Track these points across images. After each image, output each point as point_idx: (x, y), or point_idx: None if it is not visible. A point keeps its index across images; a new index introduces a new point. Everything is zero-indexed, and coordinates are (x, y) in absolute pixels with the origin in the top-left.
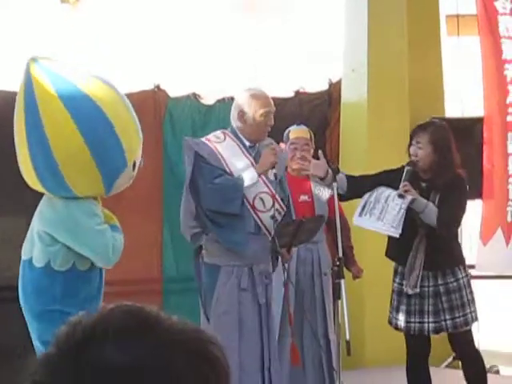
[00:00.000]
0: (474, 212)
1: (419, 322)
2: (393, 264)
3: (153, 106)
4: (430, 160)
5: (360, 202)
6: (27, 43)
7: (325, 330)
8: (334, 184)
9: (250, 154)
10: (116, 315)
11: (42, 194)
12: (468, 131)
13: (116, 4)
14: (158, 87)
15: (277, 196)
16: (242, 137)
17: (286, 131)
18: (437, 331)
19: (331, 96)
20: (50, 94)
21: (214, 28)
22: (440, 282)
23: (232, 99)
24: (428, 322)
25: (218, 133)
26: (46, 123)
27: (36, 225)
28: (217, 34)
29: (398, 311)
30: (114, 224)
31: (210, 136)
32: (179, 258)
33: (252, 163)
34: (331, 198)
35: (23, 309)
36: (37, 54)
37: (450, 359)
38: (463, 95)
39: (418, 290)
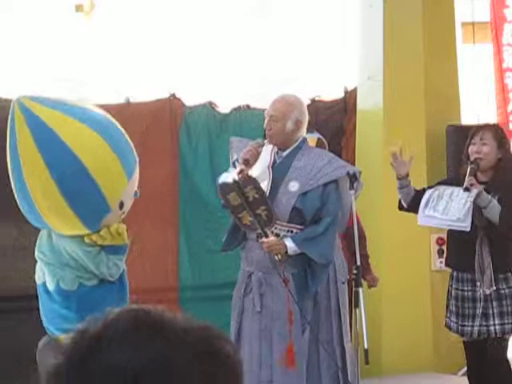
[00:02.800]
0: None
1: (471, 326)
2: (407, 272)
3: (169, 114)
4: (494, 156)
5: (422, 199)
6: (42, 52)
7: (340, 338)
8: (351, 192)
9: (274, 160)
10: (122, 320)
11: None
12: None
13: (131, 12)
14: (173, 96)
15: (274, 209)
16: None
17: None
18: (481, 334)
19: (347, 104)
20: (29, 142)
21: (228, 37)
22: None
23: (248, 107)
24: (479, 325)
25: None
26: (25, 169)
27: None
28: (231, 42)
29: (456, 315)
30: (117, 244)
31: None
32: (195, 266)
33: (268, 166)
34: None
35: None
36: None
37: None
38: (479, 102)
39: (494, 287)
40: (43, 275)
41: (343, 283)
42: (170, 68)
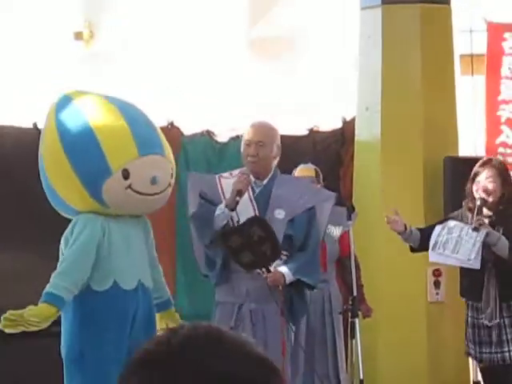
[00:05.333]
0: None
1: (489, 353)
2: (403, 303)
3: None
4: (499, 192)
5: (432, 236)
6: (40, 80)
7: (335, 369)
8: (349, 223)
9: (252, 189)
10: (201, 332)
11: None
12: None
13: (130, 41)
14: (171, 124)
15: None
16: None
17: (294, 170)
18: (498, 360)
19: (345, 134)
20: (51, 119)
21: (226, 65)
22: (505, 314)
23: None
24: (495, 352)
25: (235, 171)
26: (44, 147)
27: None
28: (230, 71)
29: (473, 342)
30: None
31: (227, 173)
32: (192, 295)
33: (250, 199)
34: (342, 237)
35: None
36: (57, 91)
37: None
38: (476, 134)
39: (497, 320)
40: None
41: (339, 313)
42: (168, 97)
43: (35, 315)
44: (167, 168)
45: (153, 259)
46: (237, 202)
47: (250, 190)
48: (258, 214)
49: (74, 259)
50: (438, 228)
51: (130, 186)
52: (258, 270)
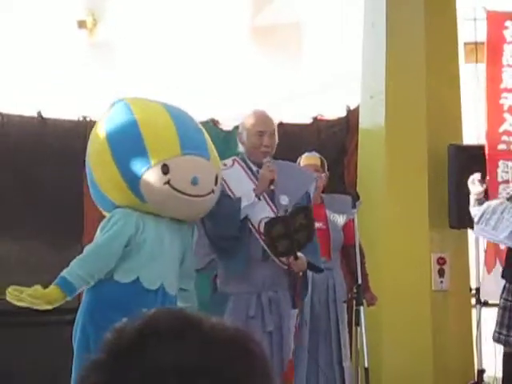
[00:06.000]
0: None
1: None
2: (407, 292)
3: None
4: None
5: (478, 212)
6: (44, 68)
7: (339, 357)
8: (354, 211)
9: (256, 178)
10: (160, 318)
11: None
12: (485, 158)
13: (134, 29)
14: None
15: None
16: (248, 160)
17: (298, 159)
18: None
19: (349, 123)
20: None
21: (230, 54)
22: None
23: None
24: None
25: (228, 160)
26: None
27: None
28: (233, 59)
29: (500, 325)
30: None
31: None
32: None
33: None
34: (346, 225)
35: None
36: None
37: (471, 382)
38: (480, 122)
39: None
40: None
41: (344, 302)
42: (172, 85)
43: (40, 296)
44: (211, 172)
45: (187, 269)
46: (272, 191)
47: (251, 179)
48: (272, 202)
49: (97, 251)
50: (485, 204)
51: (168, 182)
52: (282, 259)
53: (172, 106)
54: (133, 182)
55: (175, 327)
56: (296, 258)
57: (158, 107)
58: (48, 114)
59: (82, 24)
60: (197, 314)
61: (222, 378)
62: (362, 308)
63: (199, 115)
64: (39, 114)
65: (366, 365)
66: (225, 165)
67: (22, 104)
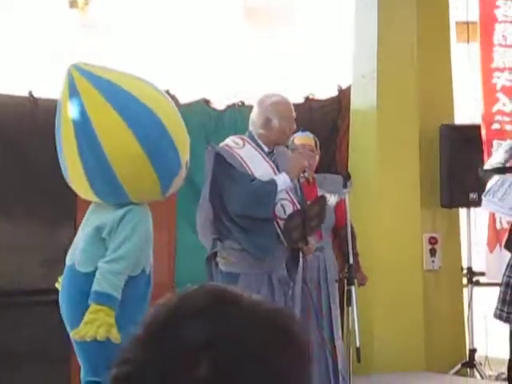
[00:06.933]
0: (481, 218)
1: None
2: (399, 271)
3: None
4: None
5: (487, 184)
6: (35, 48)
7: (331, 336)
8: (345, 190)
9: (271, 160)
10: (198, 295)
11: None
12: (477, 138)
13: (125, 9)
14: (167, 92)
15: (296, 203)
16: (260, 143)
17: (291, 138)
18: None
19: (341, 102)
20: (101, 103)
21: (222, 34)
22: None
23: (242, 104)
24: None
25: (236, 139)
26: (100, 132)
27: (90, 223)
28: (226, 39)
29: (502, 302)
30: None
31: (229, 142)
32: (193, 267)
33: (273, 169)
34: (338, 205)
35: (65, 313)
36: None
37: (458, 366)
38: (472, 102)
39: None
40: (73, 255)
41: (336, 281)
42: (163, 65)
43: (99, 325)
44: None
45: None
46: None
47: (269, 163)
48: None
49: (131, 258)
50: (495, 177)
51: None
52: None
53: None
54: (168, 183)
55: (212, 304)
56: (307, 243)
57: (160, 97)
58: (39, 93)
59: (73, 4)
60: (238, 291)
61: (256, 356)
62: (353, 288)
63: (191, 95)
64: (30, 93)
65: (358, 344)
66: (237, 144)
67: (12, 84)
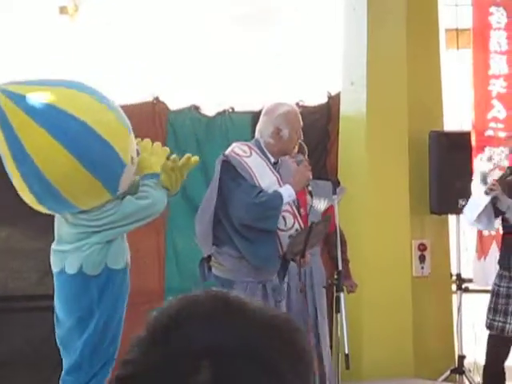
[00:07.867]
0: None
1: (503, 322)
2: (388, 278)
3: (152, 118)
4: None
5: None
6: (25, 54)
7: (317, 343)
8: (334, 197)
9: (276, 170)
10: (202, 299)
11: None
12: (466, 145)
13: (115, 15)
14: (156, 99)
15: (298, 216)
16: (267, 152)
17: None
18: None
19: (330, 109)
20: (27, 121)
21: (212, 40)
22: None
23: (233, 110)
24: (510, 323)
25: (242, 146)
26: (32, 151)
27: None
28: (215, 46)
29: (489, 309)
30: (148, 173)
31: (236, 149)
32: (182, 272)
33: (278, 180)
34: (327, 211)
35: (59, 319)
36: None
37: (447, 373)
38: (462, 108)
39: None
40: (61, 261)
41: (324, 287)
42: (153, 71)
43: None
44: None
45: None
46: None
47: (274, 173)
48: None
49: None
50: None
51: (134, 167)
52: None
53: (80, 83)
54: (114, 184)
55: (215, 309)
56: (304, 256)
57: (88, 99)
58: None
59: (63, 10)
60: (242, 297)
61: (258, 363)
62: (342, 294)
63: (180, 102)
64: None
65: (347, 351)
66: (244, 152)
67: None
